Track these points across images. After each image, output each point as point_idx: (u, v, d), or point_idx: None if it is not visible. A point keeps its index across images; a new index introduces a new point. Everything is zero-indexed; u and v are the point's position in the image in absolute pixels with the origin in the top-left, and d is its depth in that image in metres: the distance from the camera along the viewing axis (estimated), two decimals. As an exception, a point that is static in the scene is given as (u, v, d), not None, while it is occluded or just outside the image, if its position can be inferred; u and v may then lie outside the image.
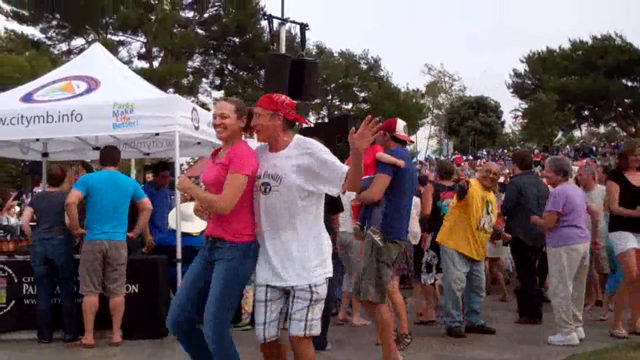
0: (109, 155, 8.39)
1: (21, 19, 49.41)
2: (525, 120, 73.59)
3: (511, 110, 78.82)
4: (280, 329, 4.71)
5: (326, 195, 4.70)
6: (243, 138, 4.85)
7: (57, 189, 8.61)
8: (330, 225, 7.13)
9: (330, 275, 4.68)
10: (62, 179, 8.68)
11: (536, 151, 54.28)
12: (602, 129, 78.16)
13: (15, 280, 8.47)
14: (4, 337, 8.34)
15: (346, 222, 8.82)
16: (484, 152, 62.78)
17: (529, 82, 75.81)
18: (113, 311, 7.95)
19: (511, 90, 76.81)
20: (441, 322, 8.82)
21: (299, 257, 4.55)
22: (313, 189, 4.58)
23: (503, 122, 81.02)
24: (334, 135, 10.87)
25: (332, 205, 7.24)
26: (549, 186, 8.92)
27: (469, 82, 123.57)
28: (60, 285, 8.29)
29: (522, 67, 76.11)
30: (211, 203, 4.59)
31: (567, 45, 72.29)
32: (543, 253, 9.18)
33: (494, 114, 78.28)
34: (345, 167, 4.51)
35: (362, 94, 66.50)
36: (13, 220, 18.16)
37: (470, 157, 57.72)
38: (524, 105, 74.58)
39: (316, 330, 4.55)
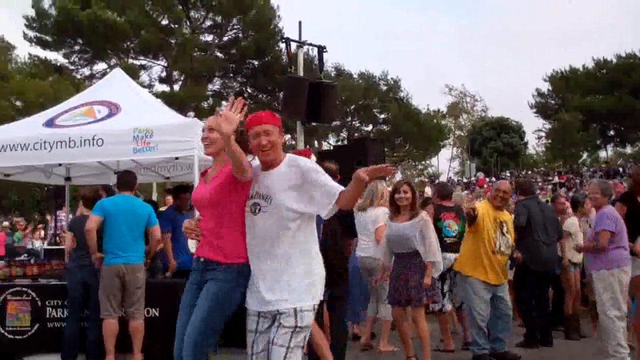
0: (125, 180, 8.46)
1: (44, 45, 50.11)
2: (549, 141, 73.13)
3: (534, 130, 78.48)
4: None
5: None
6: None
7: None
8: (342, 249, 7.13)
9: (318, 302, 4.41)
10: (96, 200, 8.71)
11: (558, 172, 53.91)
12: (629, 149, 77.00)
13: (39, 304, 8.54)
14: (28, 360, 8.43)
15: (369, 247, 8.85)
16: (507, 174, 62.30)
17: (552, 101, 75.44)
18: (133, 334, 8.00)
19: (534, 110, 76.48)
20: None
21: (287, 280, 4.32)
22: (303, 209, 4.36)
23: (526, 143, 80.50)
24: (352, 158, 10.89)
25: (347, 230, 7.22)
26: (591, 208, 8.93)
27: (490, 102, 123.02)
28: (90, 309, 8.34)
29: (545, 87, 75.92)
30: (235, 157, 4.18)
31: (591, 64, 72.00)
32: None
33: (516, 135, 77.82)
34: (338, 189, 4.30)
35: (382, 115, 66.35)
36: (37, 244, 18.37)
37: (494, 179, 57.36)
38: (547, 125, 74.20)
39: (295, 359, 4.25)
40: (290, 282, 4.31)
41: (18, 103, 37.34)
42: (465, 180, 62.26)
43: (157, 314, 8.39)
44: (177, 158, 9.65)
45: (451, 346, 9.06)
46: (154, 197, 15.55)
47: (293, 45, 11.96)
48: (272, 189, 4.38)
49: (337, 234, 6.80)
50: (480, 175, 60.32)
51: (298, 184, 4.35)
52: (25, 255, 13.06)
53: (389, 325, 9.06)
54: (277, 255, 4.35)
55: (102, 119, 9.24)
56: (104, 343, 7.94)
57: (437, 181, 55.01)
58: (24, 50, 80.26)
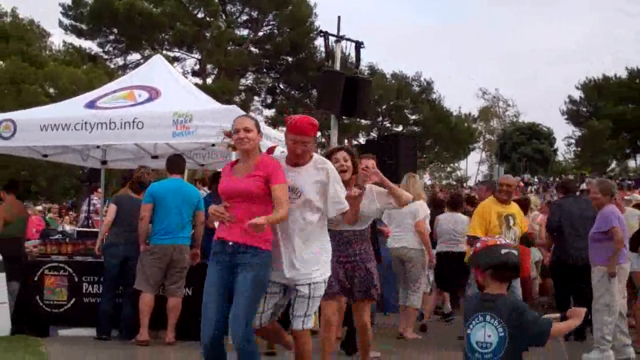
0: (176, 163, 8.75)
1: (79, 33, 50.47)
2: (579, 148, 72.69)
3: (564, 137, 77.99)
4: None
5: None
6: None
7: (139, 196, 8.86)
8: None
9: (327, 277, 5.30)
10: (141, 181, 8.96)
11: (587, 180, 53.52)
12: (657, 160, 76.49)
13: (76, 280, 8.78)
14: (64, 333, 8.68)
15: (405, 237, 9.04)
16: (535, 179, 61.91)
17: (584, 109, 74.89)
18: (170, 310, 8.23)
19: (565, 117, 75.99)
20: None
21: (306, 260, 5.12)
22: (321, 205, 5.19)
23: (556, 150, 79.96)
24: (383, 154, 10.98)
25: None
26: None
27: (523, 107, 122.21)
28: (125, 285, 8.58)
29: (578, 94, 75.40)
30: (283, 218, 4.96)
31: (624, 74, 71.47)
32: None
33: (546, 141, 77.31)
34: (344, 205, 5.26)
35: (414, 117, 66.20)
36: (68, 227, 18.62)
37: (522, 184, 57.03)
38: (578, 133, 73.74)
39: (310, 324, 5.18)
40: (308, 262, 5.14)
41: (51, 90, 37.59)
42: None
43: (190, 293, 8.60)
44: (213, 145, 9.85)
45: None
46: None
47: (331, 40, 12.08)
48: (302, 183, 5.13)
49: None
50: (510, 179, 59.81)
51: (323, 181, 5.15)
52: (60, 235, 13.26)
53: (416, 314, 9.46)
54: (299, 240, 5.11)
55: (142, 102, 9.40)
56: (139, 317, 8.15)
57: (465, 184, 54.84)
58: (58, 38, 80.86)
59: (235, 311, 4.91)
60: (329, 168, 5.23)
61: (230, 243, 4.98)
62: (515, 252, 4.11)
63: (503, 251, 4.05)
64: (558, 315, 4.27)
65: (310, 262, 5.14)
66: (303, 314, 5.14)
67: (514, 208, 8.90)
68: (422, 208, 9.15)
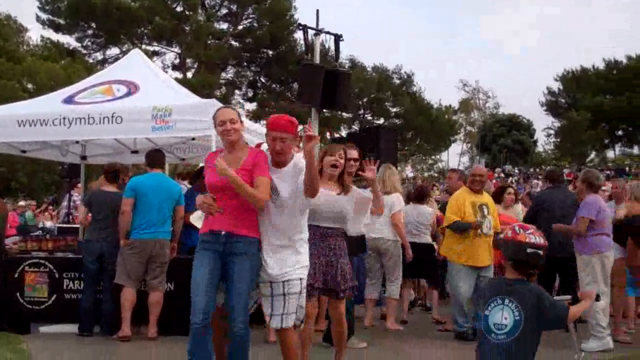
0: (156, 158, 8.71)
1: (57, 28, 50.21)
2: (558, 139, 73.23)
3: (544, 128, 78.52)
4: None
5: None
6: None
7: (114, 188, 8.83)
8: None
9: (303, 275, 5.34)
10: (116, 174, 8.90)
11: (566, 170, 53.82)
12: (636, 150, 77.18)
13: (56, 276, 8.72)
14: (45, 329, 8.62)
15: (382, 228, 9.06)
16: (516, 170, 62.29)
17: (563, 100, 75.44)
18: (151, 305, 8.22)
19: (544, 108, 76.50)
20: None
21: (284, 254, 5.25)
22: (299, 205, 5.27)
23: (535, 141, 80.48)
24: (365, 146, 10.98)
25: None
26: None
27: (502, 100, 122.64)
28: (105, 281, 8.54)
29: (556, 86, 75.93)
30: (253, 196, 5.00)
31: (601, 65, 72.03)
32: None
33: (526, 133, 77.79)
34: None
35: (394, 109, 66.36)
36: (49, 224, 18.56)
37: (502, 175, 57.28)
38: (557, 124, 74.28)
39: (290, 322, 5.23)
40: (285, 259, 5.23)
41: (29, 85, 37.34)
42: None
43: (172, 288, 8.58)
44: (193, 139, 9.83)
45: None
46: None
47: (310, 33, 12.06)
48: (282, 184, 5.22)
49: None
50: (489, 170, 60.25)
51: (300, 180, 5.17)
52: (40, 232, 13.20)
53: (395, 304, 9.53)
54: (278, 237, 5.26)
55: (121, 97, 9.36)
56: (121, 313, 8.14)
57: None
58: (36, 33, 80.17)
59: (236, 299, 5.07)
60: (302, 164, 5.25)
61: (223, 233, 5.11)
62: (540, 252, 4.32)
63: (529, 251, 4.29)
64: (569, 297, 4.63)
65: (286, 260, 5.23)
66: (280, 312, 5.21)
67: (486, 198, 9.04)
68: (397, 200, 9.18)
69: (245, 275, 5.09)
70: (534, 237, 4.34)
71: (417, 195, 10.57)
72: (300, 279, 5.28)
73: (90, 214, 8.74)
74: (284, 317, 5.20)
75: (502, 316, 4.23)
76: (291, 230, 5.27)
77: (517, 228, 4.44)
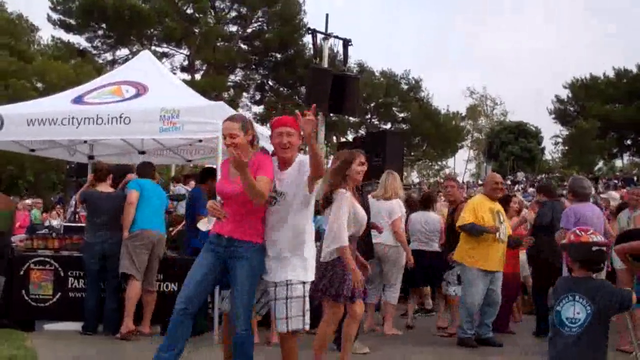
0: (146, 170, 8.91)
1: (68, 28, 50.45)
2: (566, 147, 73.00)
3: (552, 136, 78.30)
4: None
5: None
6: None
7: (108, 188, 8.92)
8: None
9: (310, 280, 5.35)
10: (107, 175, 8.97)
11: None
12: (644, 159, 76.80)
13: (62, 274, 8.77)
14: (49, 327, 8.67)
15: (382, 234, 9.05)
16: (523, 178, 62.10)
17: (572, 108, 75.19)
18: (146, 303, 8.45)
19: (553, 116, 76.26)
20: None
21: (288, 258, 5.24)
22: (305, 207, 5.31)
23: (543, 149, 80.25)
24: (371, 150, 10.97)
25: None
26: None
27: (510, 106, 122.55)
28: (108, 281, 8.62)
29: (565, 93, 75.72)
30: (253, 187, 4.96)
31: (611, 73, 71.81)
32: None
33: (534, 140, 77.58)
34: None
35: (402, 115, 66.36)
36: (55, 222, 18.61)
37: (509, 182, 57.19)
38: (565, 132, 74.04)
39: (296, 325, 5.20)
40: (290, 262, 5.25)
41: (39, 85, 37.39)
42: (480, 182, 62.10)
43: (175, 289, 8.63)
44: (200, 141, 9.88)
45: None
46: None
47: (319, 37, 12.12)
48: (287, 187, 5.27)
49: None
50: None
51: (304, 180, 5.21)
52: (46, 230, 13.24)
53: (393, 309, 9.58)
54: (283, 240, 5.27)
55: (130, 98, 9.39)
56: (125, 306, 8.25)
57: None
58: (47, 33, 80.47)
59: (239, 301, 5.18)
60: (306, 163, 5.28)
61: (226, 237, 5.23)
62: (604, 249, 4.71)
63: (594, 249, 4.66)
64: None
65: (289, 264, 5.25)
66: (284, 316, 5.21)
67: (499, 205, 9.05)
68: (398, 206, 9.15)
69: (244, 279, 5.19)
70: (595, 236, 4.70)
71: (423, 202, 10.56)
72: (303, 282, 5.28)
73: (84, 213, 8.87)
74: (288, 321, 5.20)
75: (575, 311, 4.58)
76: (296, 233, 5.30)
77: (578, 231, 4.80)
